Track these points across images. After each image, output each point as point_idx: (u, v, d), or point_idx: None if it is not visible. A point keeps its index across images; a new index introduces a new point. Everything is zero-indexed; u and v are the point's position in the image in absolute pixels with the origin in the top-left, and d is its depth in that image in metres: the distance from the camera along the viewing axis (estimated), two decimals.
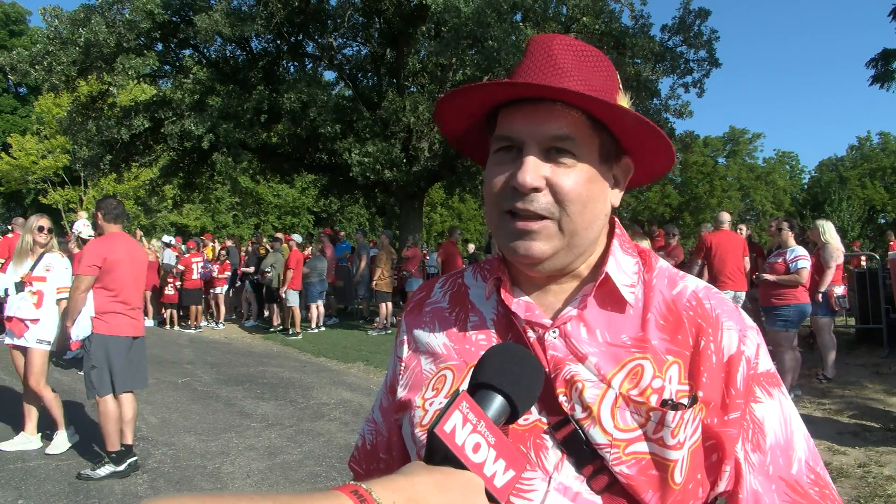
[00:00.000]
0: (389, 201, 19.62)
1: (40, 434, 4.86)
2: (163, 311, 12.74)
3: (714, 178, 42.41)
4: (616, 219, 0.91)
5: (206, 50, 15.27)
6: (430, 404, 0.84)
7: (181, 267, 12.38)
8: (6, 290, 4.80)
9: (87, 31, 12.92)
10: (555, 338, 0.81)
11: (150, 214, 31.70)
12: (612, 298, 0.83)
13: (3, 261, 8.62)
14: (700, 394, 0.77)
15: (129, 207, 27.04)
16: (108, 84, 14.57)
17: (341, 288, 13.67)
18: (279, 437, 5.19)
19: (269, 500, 0.52)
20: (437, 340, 0.90)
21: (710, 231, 8.38)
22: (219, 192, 28.56)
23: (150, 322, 11.76)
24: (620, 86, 0.85)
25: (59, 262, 4.91)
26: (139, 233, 13.78)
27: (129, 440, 4.39)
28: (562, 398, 0.78)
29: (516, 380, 0.68)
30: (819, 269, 6.60)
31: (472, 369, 0.71)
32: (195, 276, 12.31)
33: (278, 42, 15.28)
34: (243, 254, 14.25)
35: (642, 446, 0.75)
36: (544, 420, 0.78)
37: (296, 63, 16.05)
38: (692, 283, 0.86)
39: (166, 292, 12.36)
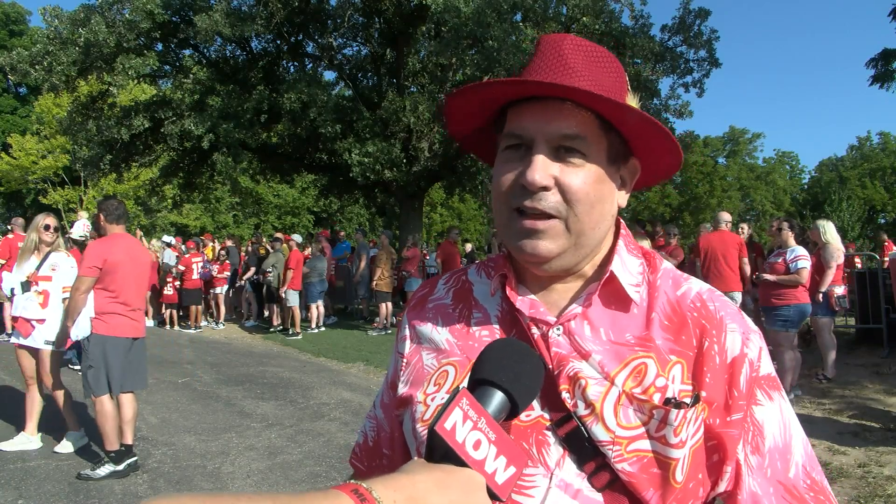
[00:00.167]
0: (389, 201, 19.62)
1: (40, 434, 4.85)
2: (163, 310, 12.74)
3: (714, 178, 42.48)
4: (621, 220, 0.91)
5: (206, 50, 15.27)
6: (432, 399, 0.84)
7: (181, 267, 12.39)
8: (12, 290, 4.78)
9: (87, 31, 12.92)
10: (559, 335, 0.81)
11: (150, 214, 31.69)
12: (616, 297, 0.83)
13: (3, 261, 8.67)
14: (703, 394, 0.77)
15: (130, 207, 26.99)
16: (108, 84, 14.58)
17: (341, 288, 13.67)
18: (279, 437, 5.19)
19: (268, 500, 0.52)
20: (439, 336, 0.90)
21: (708, 231, 8.37)
22: (219, 192, 28.55)
23: (150, 322, 11.75)
24: (629, 87, 0.85)
25: (65, 261, 4.91)
26: (139, 233, 13.80)
27: (128, 440, 4.39)
28: (565, 395, 0.78)
29: (516, 376, 0.68)
30: (819, 269, 6.60)
31: (472, 365, 0.70)
32: (195, 276, 12.33)
33: (278, 42, 15.28)
34: (243, 254, 14.24)
35: (644, 444, 0.75)
36: (547, 416, 0.78)
37: (296, 63, 16.05)
38: (696, 285, 0.86)
39: (165, 292, 12.36)
